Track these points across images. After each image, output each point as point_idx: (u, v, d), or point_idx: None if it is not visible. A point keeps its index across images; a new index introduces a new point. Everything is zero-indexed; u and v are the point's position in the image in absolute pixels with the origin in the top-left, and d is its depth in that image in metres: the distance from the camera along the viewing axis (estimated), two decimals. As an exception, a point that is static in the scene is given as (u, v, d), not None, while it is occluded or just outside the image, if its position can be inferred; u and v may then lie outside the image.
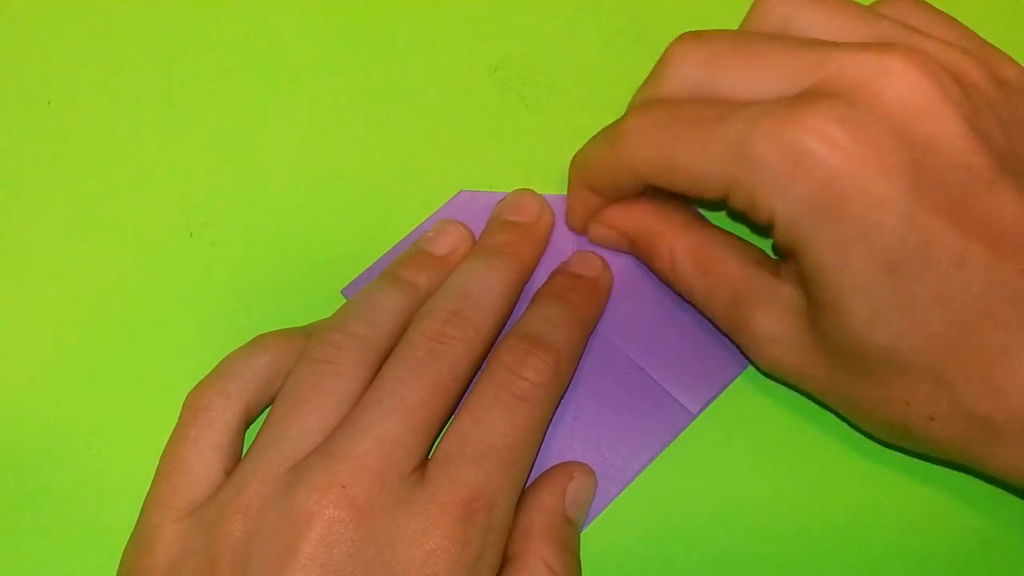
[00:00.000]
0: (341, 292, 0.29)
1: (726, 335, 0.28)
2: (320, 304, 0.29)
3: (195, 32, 0.32)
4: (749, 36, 0.25)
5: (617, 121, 0.26)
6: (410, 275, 0.27)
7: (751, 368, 0.29)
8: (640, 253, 0.28)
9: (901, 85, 0.22)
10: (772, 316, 0.25)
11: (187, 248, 0.30)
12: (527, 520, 0.26)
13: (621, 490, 0.28)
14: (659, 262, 0.28)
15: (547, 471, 0.27)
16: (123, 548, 0.24)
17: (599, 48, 0.32)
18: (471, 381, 0.26)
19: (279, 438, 0.24)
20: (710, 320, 0.28)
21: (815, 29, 0.25)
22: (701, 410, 0.28)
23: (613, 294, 0.29)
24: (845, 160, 0.22)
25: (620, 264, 0.29)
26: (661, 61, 0.26)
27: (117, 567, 0.24)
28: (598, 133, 0.27)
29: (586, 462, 0.28)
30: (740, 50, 0.24)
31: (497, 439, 0.24)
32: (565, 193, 0.30)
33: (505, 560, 0.25)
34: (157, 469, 0.25)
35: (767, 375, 0.28)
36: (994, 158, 0.22)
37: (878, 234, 0.22)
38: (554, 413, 0.27)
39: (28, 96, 0.31)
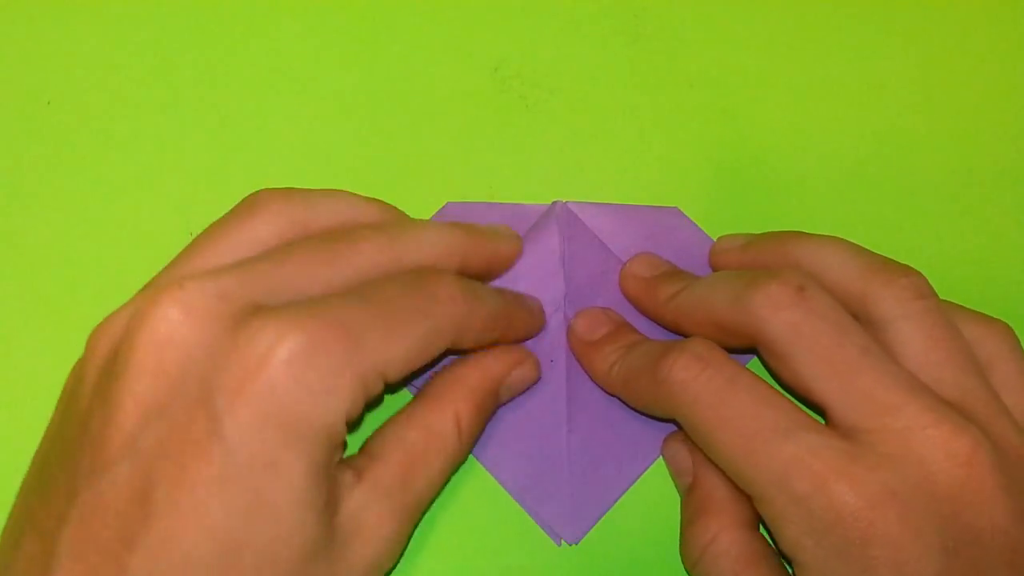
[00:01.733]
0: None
1: None
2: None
3: (195, 32, 0.32)
4: (855, 341, 0.24)
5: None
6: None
7: (751, 364, 0.29)
8: (689, 508, 0.27)
9: (954, 471, 0.22)
10: None
11: (187, 248, 0.30)
12: (462, 371, 0.26)
13: (616, 499, 0.28)
14: (699, 531, 0.26)
15: (502, 347, 0.27)
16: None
17: (599, 48, 0.32)
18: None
19: (179, 263, 0.24)
20: None
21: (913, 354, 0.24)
22: None
23: (611, 300, 0.29)
24: (886, 531, 0.22)
25: (612, 280, 0.29)
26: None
27: None
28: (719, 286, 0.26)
29: (580, 474, 0.28)
30: (838, 347, 0.24)
31: (387, 294, 0.23)
32: (562, 197, 0.30)
33: (420, 394, 0.25)
34: None
35: None
36: None
37: None
38: (444, 343, 0.24)
39: (28, 96, 0.31)
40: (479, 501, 0.28)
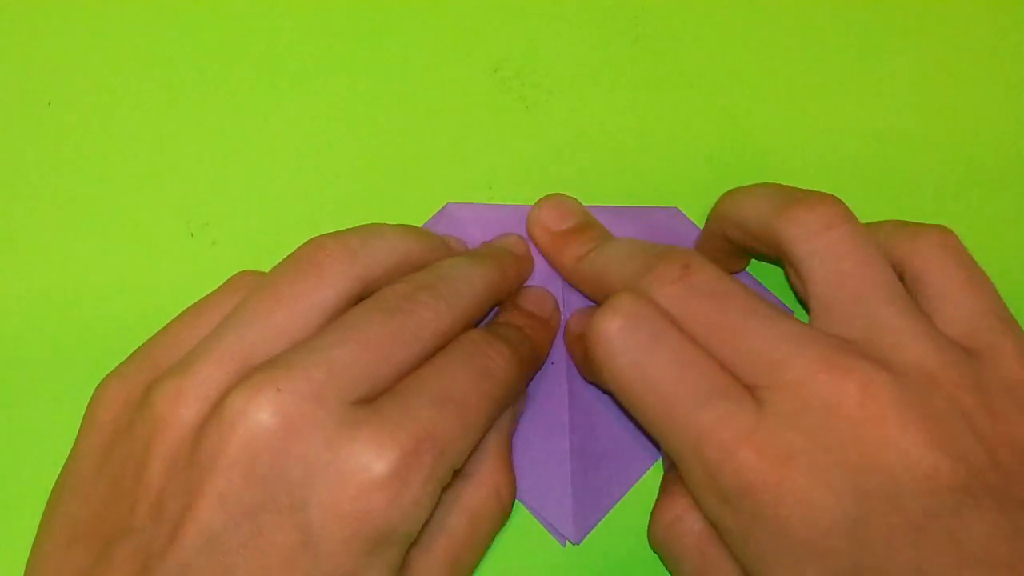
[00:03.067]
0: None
1: None
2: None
3: (195, 32, 0.32)
4: (738, 306, 0.24)
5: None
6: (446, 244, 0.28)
7: None
8: (667, 478, 0.27)
9: (852, 414, 0.22)
10: None
11: (187, 248, 0.30)
12: (486, 439, 0.26)
13: (619, 498, 0.28)
14: (667, 512, 0.26)
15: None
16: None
17: (599, 49, 0.32)
18: (430, 356, 0.25)
19: (243, 324, 0.23)
20: None
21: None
22: None
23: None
24: (794, 490, 0.22)
25: None
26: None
27: None
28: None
29: (582, 473, 0.28)
30: (721, 315, 0.24)
31: (459, 390, 0.23)
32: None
33: (455, 474, 0.25)
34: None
35: None
36: (961, 475, 0.22)
37: (832, 558, 0.21)
38: (500, 414, 0.26)
39: (28, 96, 0.31)
40: None
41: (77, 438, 0.24)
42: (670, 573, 0.26)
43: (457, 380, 0.24)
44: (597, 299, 0.26)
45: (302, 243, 0.25)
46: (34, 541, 0.24)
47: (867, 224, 0.25)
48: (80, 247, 0.30)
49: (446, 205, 0.30)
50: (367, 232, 0.25)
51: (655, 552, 0.26)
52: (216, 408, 0.22)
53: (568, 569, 0.27)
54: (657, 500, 0.26)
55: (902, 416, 0.22)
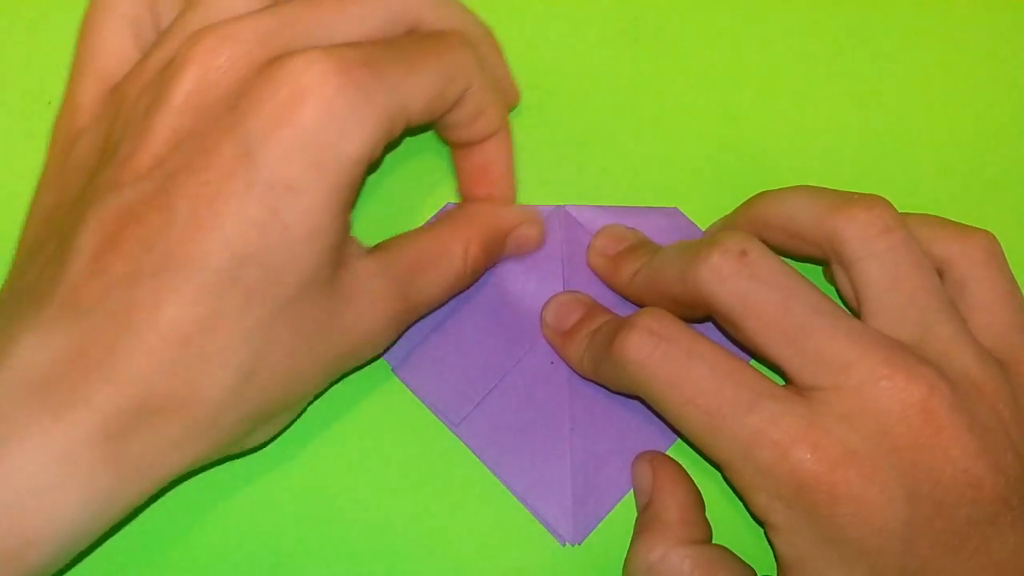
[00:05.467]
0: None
1: None
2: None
3: (195, 32, 0.32)
4: (803, 302, 0.24)
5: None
6: None
7: None
8: (638, 521, 0.27)
9: (911, 420, 0.22)
10: None
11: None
12: (476, 208, 0.27)
13: (619, 499, 0.28)
14: (649, 551, 0.26)
15: (516, 205, 0.28)
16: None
17: (599, 48, 0.32)
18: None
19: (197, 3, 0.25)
20: None
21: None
22: None
23: (611, 300, 0.29)
24: (849, 491, 0.22)
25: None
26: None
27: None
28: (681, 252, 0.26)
29: (583, 474, 0.28)
30: (785, 312, 0.24)
31: (404, 44, 0.25)
32: (562, 198, 0.30)
33: (435, 221, 0.27)
34: (78, 37, 0.27)
35: None
36: (1001, 486, 0.22)
37: (881, 558, 0.22)
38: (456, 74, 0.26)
39: (28, 96, 0.31)
40: (483, 501, 0.28)
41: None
42: None
43: (407, 38, 0.25)
44: (662, 308, 0.26)
45: None
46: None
47: (904, 215, 0.25)
48: (80, 247, 0.30)
49: (446, 205, 0.30)
50: None
51: None
52: (164, 66, 0.24)
53: (568, 569, 0.27)
54: (636, 540, 0.26)
55: (956, 424, 0.22)
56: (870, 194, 0.25)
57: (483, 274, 0.28)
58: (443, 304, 0.28)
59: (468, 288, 0.28)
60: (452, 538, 0.27)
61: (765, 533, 0.25)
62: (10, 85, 0.32)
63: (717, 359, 0.24)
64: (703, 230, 0.30)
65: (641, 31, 0.33)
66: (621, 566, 0.27)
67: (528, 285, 0.29)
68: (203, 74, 0.23)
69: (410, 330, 0.28)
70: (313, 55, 0.22)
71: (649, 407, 0.27)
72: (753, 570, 0.26)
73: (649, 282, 0.27)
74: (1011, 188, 0.32)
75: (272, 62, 0.23)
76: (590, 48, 0.32)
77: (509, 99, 0.30)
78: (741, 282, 0.24)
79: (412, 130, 0.26)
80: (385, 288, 0.25)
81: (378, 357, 0.28)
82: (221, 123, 0.22)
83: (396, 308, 0.25)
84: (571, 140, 0.31)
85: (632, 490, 0.28)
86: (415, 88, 0.24)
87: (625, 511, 0.28)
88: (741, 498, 0.24)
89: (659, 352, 0.24)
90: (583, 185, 0.31)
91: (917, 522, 0.22)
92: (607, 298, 0.29)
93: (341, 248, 0.24)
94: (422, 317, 0.27)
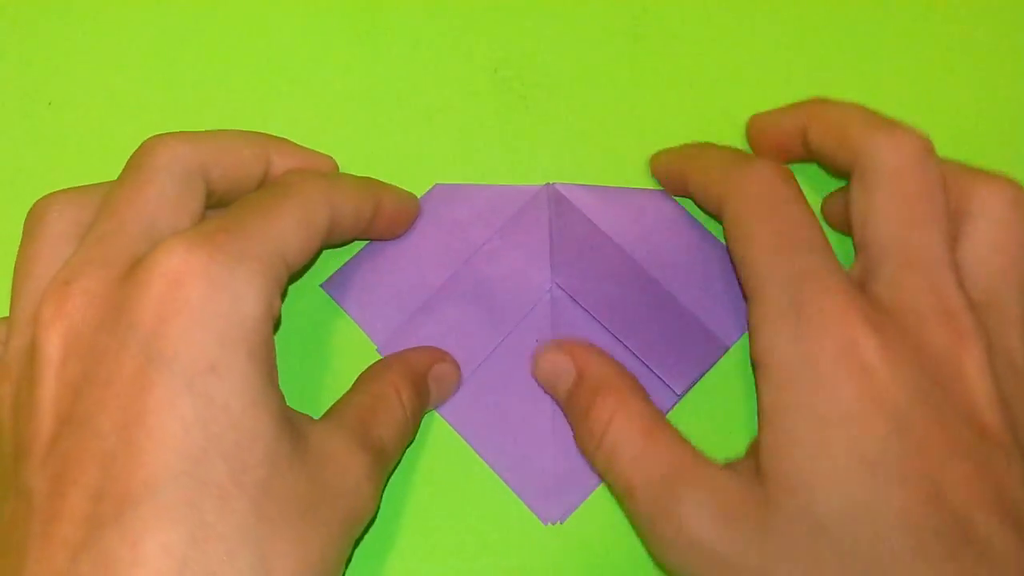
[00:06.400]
0: (320, 286, 0.30)
1: (635, 516, 0.25)
2: (299, 298, 0.29)
3: (195, 32, 0.32)
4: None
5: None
6: None
7: (734, 350, 0.29)
8: (580, 395, 0.27)
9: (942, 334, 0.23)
10: (711, 498, 0.23)
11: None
12: (390, 360, 0.27)
13: (599, 483, 0.28)
14: (597, 412, 0.26)
15: (423, 346, 0.28)
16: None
17: (599, 49, 0.32)
18: None
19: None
20: (618, 499, 0.26)
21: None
22: (686, 391, 0.29)
23: (599, 275, 0.29)
24: (866, 356, 0.23)
25: (601, 256, 0.30)
26: None
27: None
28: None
29: (565, 454, 0.28)
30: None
31: (254, 199, 0.24)
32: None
33: (358, 383, 0.26)
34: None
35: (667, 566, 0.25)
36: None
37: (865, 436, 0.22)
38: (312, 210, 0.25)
39: (28, 96, 0.31)
40: (466, 479, 0.28)
41: None
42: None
43: (253, 194, 0.25)
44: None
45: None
46: None
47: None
48: (80, 247, 0.30)
49: (434, 186, 0.30)
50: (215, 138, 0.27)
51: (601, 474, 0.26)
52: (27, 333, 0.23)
53: (550, 547, 0.28)
54: (583, 416, 0.26)
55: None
56: (905, 125, 0.26)
57: (422, 417, 0.28)
58: (402, 454, 0.27)
59: (415, 434, 0.27)
60: (434, 516, 0.28)
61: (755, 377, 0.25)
62: (10, 85, 0.32)
63: (808, 215, 0.25)
64: (693, 217, 0.30)
65: (641, 31, 0.33)
66: (603, 545, 0.27)
67: (515, 262, 0.29)
68: (67, 323, 0.22)
69: (394, 309, 0.29)
70: (168, 243, 0.22)
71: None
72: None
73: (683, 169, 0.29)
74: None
75: (130, 271, 0.22)
76: (590, 48, 0.32)
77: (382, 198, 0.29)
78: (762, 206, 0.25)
79: (302, 270, 0.27)
80: (347, 442, 0.24)
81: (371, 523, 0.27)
82: (107, 346, 0.21)
83: (365, 459, 0.24)
84: (572, 140, 0.31)
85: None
86: (283, 232, 0.23)
87: (607, 491, 0.28)
88: (750, 331, 0.25)
89: (774, 184, 0.26)
90: (583, 184, 0.31)
91: (913, 411, 0.22)
92: (599, 275, 0.29)
93: (287, 416, 0.22)
94: (391, 471, 0.26)
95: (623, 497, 0.25)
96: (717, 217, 0.28)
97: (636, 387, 0.26)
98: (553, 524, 0.28)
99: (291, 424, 0.22)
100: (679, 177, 0.29)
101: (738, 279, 0.26)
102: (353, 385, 0.27)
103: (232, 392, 0.21)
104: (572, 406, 0.27)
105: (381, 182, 0.29)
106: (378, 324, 0.29)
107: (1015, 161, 0.32)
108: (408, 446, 0.27)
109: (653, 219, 0.30)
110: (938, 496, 0.22)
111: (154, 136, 0.25)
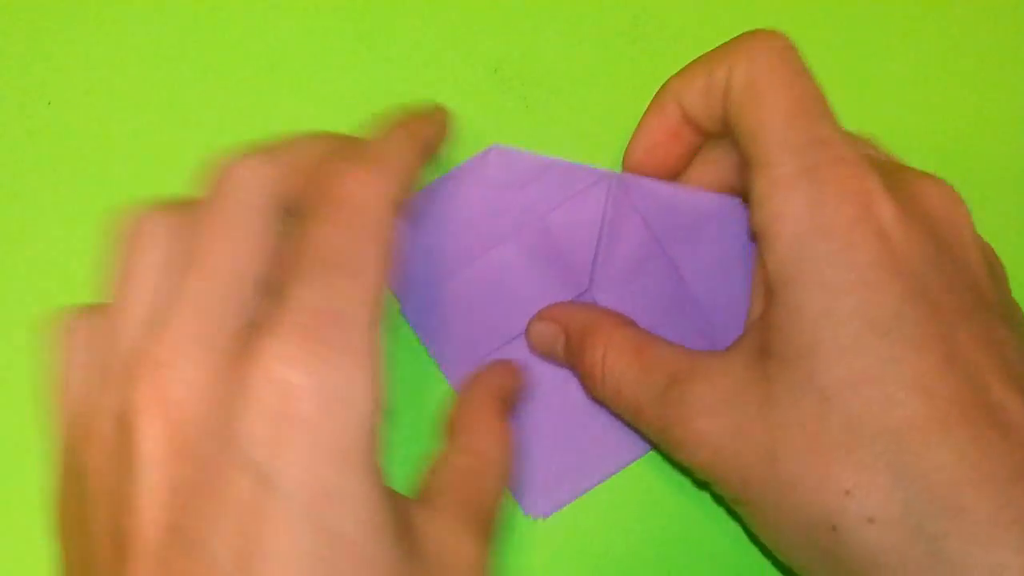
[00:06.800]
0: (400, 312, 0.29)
1: (652, 436, 0.25)
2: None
3: (195, 32, 0.32)
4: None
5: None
6: None
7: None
8: (573, 348, 0.27)
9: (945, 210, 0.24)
10: (711, 388, 0.23)
11: (187, 248, 0.30)
12: (476, 395, 0.26)
13: (593, 484, 0.28)
14: (590, 355, 0.26)
15: (499, 363, 0.28)
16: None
17: (600, 49, 0.32)
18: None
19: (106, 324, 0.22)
20: (636, 425, 0.26)
21: None
22: None
23: (635, 294, 0.28)
24: (879, 225, 0.22)
25: (647, 270, 0.29)
26: None
27: None
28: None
29: (554, 453, 0.28)
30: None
31: (325, 246, 0.21)
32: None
33: (454, 429, 0.25)
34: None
35: (691, 472, 0.25)
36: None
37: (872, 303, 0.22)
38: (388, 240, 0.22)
39: (28, 96, 0.31)
40: None
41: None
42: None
43: (326, 238, 0.21)
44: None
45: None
46: None
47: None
48: (81, 248, 0.30)
49: (492, 146, 0.30)
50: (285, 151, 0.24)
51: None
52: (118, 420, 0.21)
53: (539, 546, 0.28)
54: (579, 358, 0.26)
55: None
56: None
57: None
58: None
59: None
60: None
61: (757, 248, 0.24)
62: (10, 85, 0.32)
63: (820, 93, 0.25)
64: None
65: (641, 31, 0.33)
66: (590, 540, 0.28)
67: (560, 246, 0.29)
68: (168, 418, 0.20)
69: (426, 272, 0.28)
70: (273, 344, 0.20)
71: None
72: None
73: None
74: (1011, 188, 0.32)
75: (233, 362, 0.20)
76: (590, 48, 0.32)
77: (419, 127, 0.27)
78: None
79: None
80: (456, 531, 0.23)
81: None
82: (219, 461, 0.19)
83: (476, 546, 0.23)
84: (572, 140, 0.31)
85: (611, 474, 0.28)
86: (376, 288, 0.21)
87: (595, 493, 0.28)
88: (753, 202, 0.24)
89: (789, 51, 0.26)
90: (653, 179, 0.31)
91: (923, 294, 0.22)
92: (638, 291, 0.28)
93: (402, 527, 0.21)
94: (499, 517, 0.25)
95: (639, 424, 0.25)
96: (719, 128, 0.27)
97: (620, 319, 0.26)
98: (536, 519, 0.28)
99: (404, 527, 0.21)
100: (674, 103, 0.28)
101: (740, 147, 0.25)
102: (448, 436, 0.25)
103: (348, 519, 0.20)
104: (572, 363, 0.27)
105: (413, 129, 0.27)
106: (407, 290, 0.28)
107: (1015, 161, 0.32)
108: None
109: (716, 228, 0.28)
110: (953, 360, 0.21)
111: (236, 157, 0.23)
